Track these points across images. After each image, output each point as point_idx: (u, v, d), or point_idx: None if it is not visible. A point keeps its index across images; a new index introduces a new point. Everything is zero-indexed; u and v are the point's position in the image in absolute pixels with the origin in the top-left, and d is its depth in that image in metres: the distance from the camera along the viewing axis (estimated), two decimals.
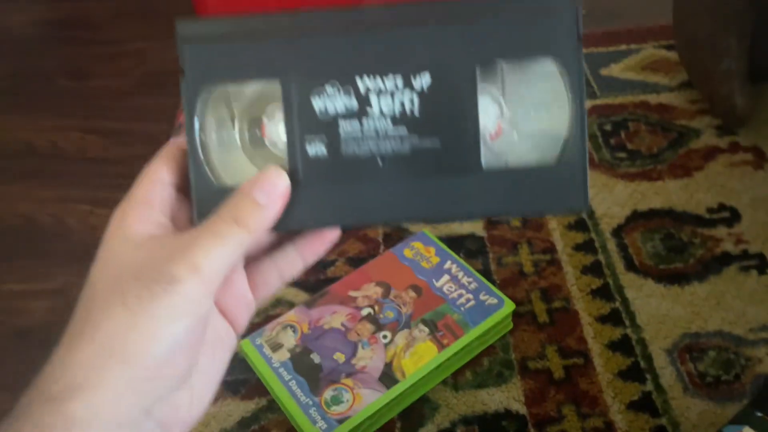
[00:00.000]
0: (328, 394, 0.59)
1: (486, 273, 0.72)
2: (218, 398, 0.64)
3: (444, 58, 0.35)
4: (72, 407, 0.27)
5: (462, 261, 0.70)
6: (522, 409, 0.61)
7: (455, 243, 0.76)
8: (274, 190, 0.32)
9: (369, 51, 0.34)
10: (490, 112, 0.37)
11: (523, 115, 0.37)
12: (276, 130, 0.35)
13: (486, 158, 0.36)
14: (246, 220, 0.31)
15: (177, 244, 0.31)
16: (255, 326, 0.68)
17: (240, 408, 0.63)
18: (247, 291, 0.37)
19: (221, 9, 1.08)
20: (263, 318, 0.69)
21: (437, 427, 0.61)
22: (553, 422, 0.60)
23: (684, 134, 0.87)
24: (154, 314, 0.29)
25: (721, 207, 0.77)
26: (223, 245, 0.31)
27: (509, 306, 0.65)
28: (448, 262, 0.70)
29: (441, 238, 0.76)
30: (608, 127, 0.89)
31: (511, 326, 0.67)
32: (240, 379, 0.65)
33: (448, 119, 0.35)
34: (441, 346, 0.62)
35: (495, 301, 0.65)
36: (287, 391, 0.60)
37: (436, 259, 0.70)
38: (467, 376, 0.64)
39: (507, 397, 0.62)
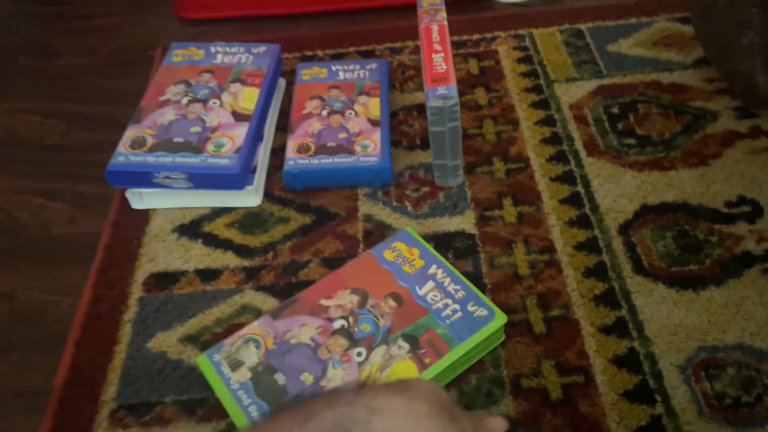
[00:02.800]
0: None
1: (476, 276, 0.65)
2: (171, 419, 0.57)
3: None
4: None
5: (449, 265, 0.62)
6: None
7: (443, 242, 0.68)
8: None
9: None
10: None
11: None
12: None
13: None
14: None
15: None
16: (217, 337, 0.61)
17: None
18: None
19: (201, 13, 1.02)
20: (225, 328, 0.62)
21: None
22: None
23: (700, 117, 0.79)
24: None
25: (742, 200, 0.69)
26: None
27: (501, 318, 0.57)
28: (433, 267, 0.62)
29: (427, 236, 0.68)
30: (615, 110, 0.81)
31: (503, 338, 0.60)
32: (197, 398, 0.58)
33: None
34: (422, 366, 0.55)
35: (485, 312, 0.58)
36: (246, 417, 0.53)
37: (419, 263, 0.62)
38: (452, 395, 0.56)
39: None
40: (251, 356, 0.56)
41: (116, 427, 0.56)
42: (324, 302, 0.60)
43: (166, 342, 0.62)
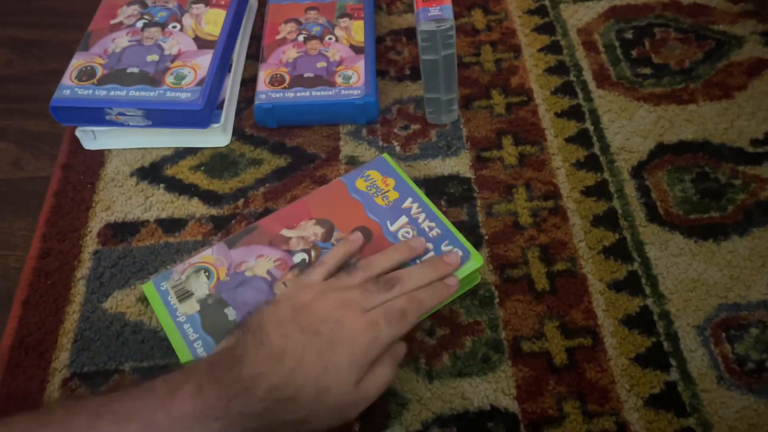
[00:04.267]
0: None
1: (472, 226, 0.58)
2: None
3: None
4: None
5: (425, 199, 0.56)
6: (512, 406, 0.48)
7: (435, 187, 0.61)
8: None
9: None
10: None
11: None
12: None
13: None
14: None
15: None
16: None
17: None
18: None
19: None
20: (179, 253, 0.56)
21: (405, 429, 0.48)
22: (551, 423, 0.48)
23: (723, 43, 0.70)
24: None
25: None
26: None
27: (477, 260, 0.52)
28: (409, 200, 0.56)
29: (417, 180, 0.60)
30: (629, 35, 0.72)
31: (478, 280, 0.54)
32: (159, 365, 0.52)
33: None
34: None
35: (460, 253, 0.52)
36: (190, 353, 0.48)
37: (394, 195, 0.56)
38: (445, 361, 0.51)
39: (494, 389, 0.49)
40: (201, 287, 0.51)
41: (69, 398, 0.50)
42: (285, 233, 0.54)
43: (125, 302, 0.55)
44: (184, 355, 0.49)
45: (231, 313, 0.50)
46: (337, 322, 0.41)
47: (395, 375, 0.43)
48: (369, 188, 0.57)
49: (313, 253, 0.53)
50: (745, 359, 0.49)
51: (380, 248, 0.51)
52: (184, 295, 0.51)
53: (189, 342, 0.49)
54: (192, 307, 0.51)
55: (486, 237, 0.57)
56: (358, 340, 0.41)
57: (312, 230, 0.54)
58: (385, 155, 0.60)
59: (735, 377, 0.49)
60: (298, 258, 0.53)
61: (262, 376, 0.38)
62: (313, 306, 0.42)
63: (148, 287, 0.52)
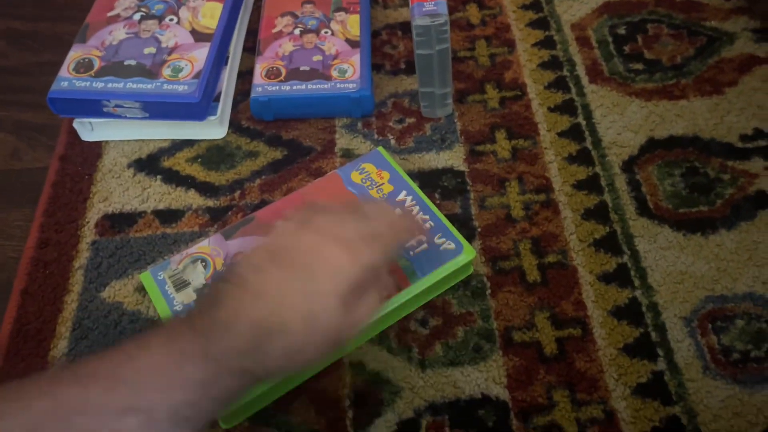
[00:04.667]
0: None
1: (465, 218, 0.59)
2: None
3: None
4: None
5: (419, 192, 0.57)
6: (503, 394, 0.49)
7: (429, 180, 0.61)
8: None
9: None
10: None
11: None
12: None
13: None
14: None
15: None
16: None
17: None
18: None
19: None
20: (176, 244, 0.57)
21: (398, 416, 0.49)
22: (540, 411, 0.49)
23: (715, 39, 0.71)
24: None
25: (759, 133, 0.63)
26: None
27: (469, 253, 0.53)
28: (403, 193, 0.57)
29: (411, 173, 0.61)
30: (622, 31, 0.72)
31: (470, 271, 0.55)
32: None
33: None
34: None
35: (452, 246, 0.53)
36: None
37: (388, 188, 0.57)
38: (437, 350, 0.52)
39: (485, 378, 0.50)
40: (198, 277, 0.52)
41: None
42: None
43: (122, 291, 0.56)
44: None
45: None
46: (314, 253, 0.39)
47: (383, 303, 0.42)
48: (364, 181, 0.57)
49: None
50: (730, 350, 0.51)
51: None
52: (181, 285, 0.52)
53: None
54: (189, 296, 0.52)
55: (479, 229, 0.58)
56: (338, 265, 0.38)
57: None
58: (381, 149, 0.60)
59: (720, 367, 0.50)
60: None
61: (243, 314, 0.36)
62: (289, 245, 0.40)
63: (146, 277, 0.53)
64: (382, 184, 0.57)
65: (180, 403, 0.34)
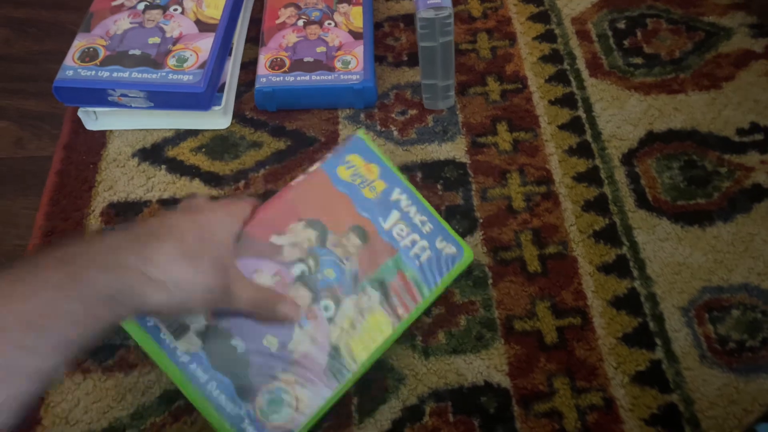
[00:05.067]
0: (263, 397, 0.43)
1: (467, 210, 0.59)
2: (136, 364, 0.52)
3: None
4: None
5: (410, 186, 0.51)
6: (505, 381, 0.51)
7: (431, 171, 0.62)
8: None
9: None
10: None
11: None
12: None
13: None
14: None
15: None
16: None
17: (163, 379, 0.51)
18: None
19: None
20: None
21: (402, 403, 0.50)
22: (541, 398, 0.50)
23: (712, 34, 0.72)
24: None
25: (755, 127, 0.64)
26: None
27: (469, 255, 0.50)
28: (396, 191, 0.51)
29: (414, 165, 0.62)
30: (621, 25, 0.73)
31: (471, 260, 0.52)
32: None
33: None
34: (396, 318, 0.47)
35: (453, 249, 0.50)
36: (206, 398, 0.42)
37: (381, 185, 0.50)
38: (440, 338, 0.53)
39: (487, 366, 0.51)
40: (197, 317, 0.44)
41: (76, 372, 0.52)
42: (276, 239, 0.47)
43: None
44: (201, 404, 0.42)
45: (239, 345, 0.44)
46: (209, 210, 0.43)
47: (273, 311, 0.45)
48: (353, 178, 0.50)
49: (311, 263, 0.47)
50: (726, 339, 0.52)
51: (376, 252, 0.48)
52: (179, 331, 0.43)
53: (201, 386, 0.42)
54: (193, 343, 0.43)
55: (480, 220, 0.59)
56: (228, 208, 0.45)
57: (304, 234, 0.47)
58: (361, 133, 0.53)
59: (717, 356, 0.51)
60: (297, 270, 0.46)
61: (127, 245, 0.37)
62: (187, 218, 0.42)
63: (132, 327, 0.43)
64: (374, 180, 0.50)
65: (32, 312, 0.32)
